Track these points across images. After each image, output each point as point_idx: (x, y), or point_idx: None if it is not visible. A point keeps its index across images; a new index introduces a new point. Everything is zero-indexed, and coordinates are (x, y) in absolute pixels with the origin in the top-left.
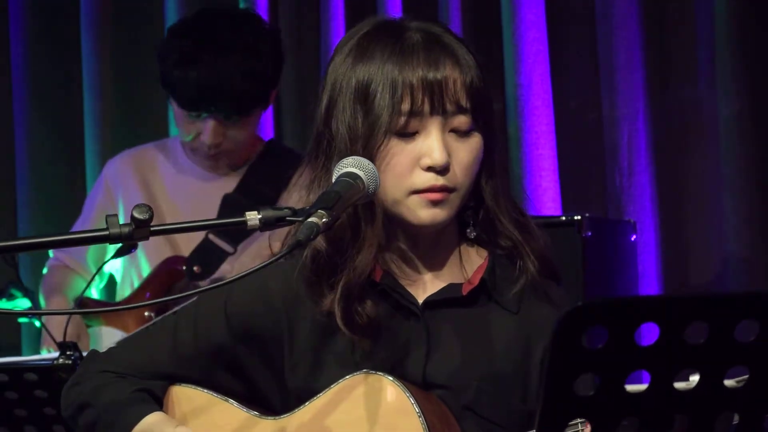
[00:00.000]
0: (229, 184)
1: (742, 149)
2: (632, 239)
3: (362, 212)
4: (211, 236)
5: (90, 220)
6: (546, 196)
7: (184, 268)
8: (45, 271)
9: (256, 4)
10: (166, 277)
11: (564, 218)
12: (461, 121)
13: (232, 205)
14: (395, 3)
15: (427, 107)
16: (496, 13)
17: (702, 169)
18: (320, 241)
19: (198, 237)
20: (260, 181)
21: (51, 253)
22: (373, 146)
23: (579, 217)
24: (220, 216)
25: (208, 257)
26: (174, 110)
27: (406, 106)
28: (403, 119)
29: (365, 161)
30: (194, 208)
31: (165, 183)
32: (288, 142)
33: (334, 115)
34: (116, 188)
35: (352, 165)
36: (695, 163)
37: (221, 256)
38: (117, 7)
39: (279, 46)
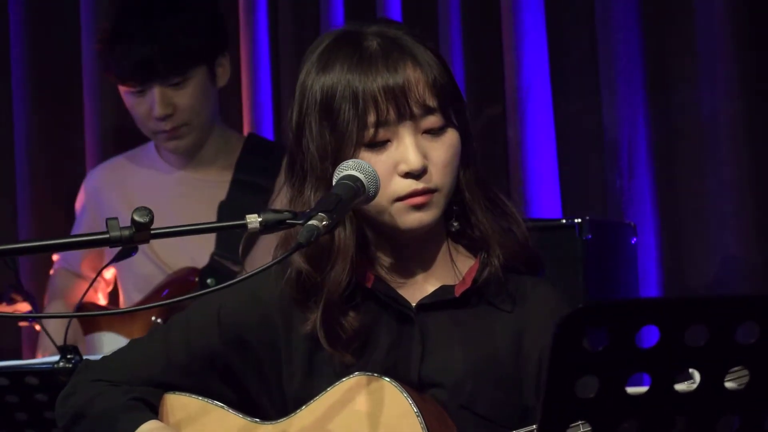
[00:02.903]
0: (211, 183)
1: (742, 152)
2: (632, 242)
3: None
4: (216, 257)
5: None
6: (546, 199)
7: (197, 279)
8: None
9: (256, 5)
10: (179, 288)
11: (564, 221)
12: (432, 120)
13: (228, 212)
14: (395, 4)
15: (393, 115)
16: (496, 16)
17: (702, 171)
18: (300, 261)
19: (201, 258)
20: (251, 174)
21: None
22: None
23: (579, 220)
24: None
25: (217, 276)
26: (126, 101)
27: (371, 118)
28: (371, 131)
29: (365, 164)
30: (178, 213)
31: (145, 190)
32: None
33: (303, 133)
34: (98, 202)
35: (352, 168)
36: (695, 166)
37: (229, 275)
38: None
39: (212, 5)
